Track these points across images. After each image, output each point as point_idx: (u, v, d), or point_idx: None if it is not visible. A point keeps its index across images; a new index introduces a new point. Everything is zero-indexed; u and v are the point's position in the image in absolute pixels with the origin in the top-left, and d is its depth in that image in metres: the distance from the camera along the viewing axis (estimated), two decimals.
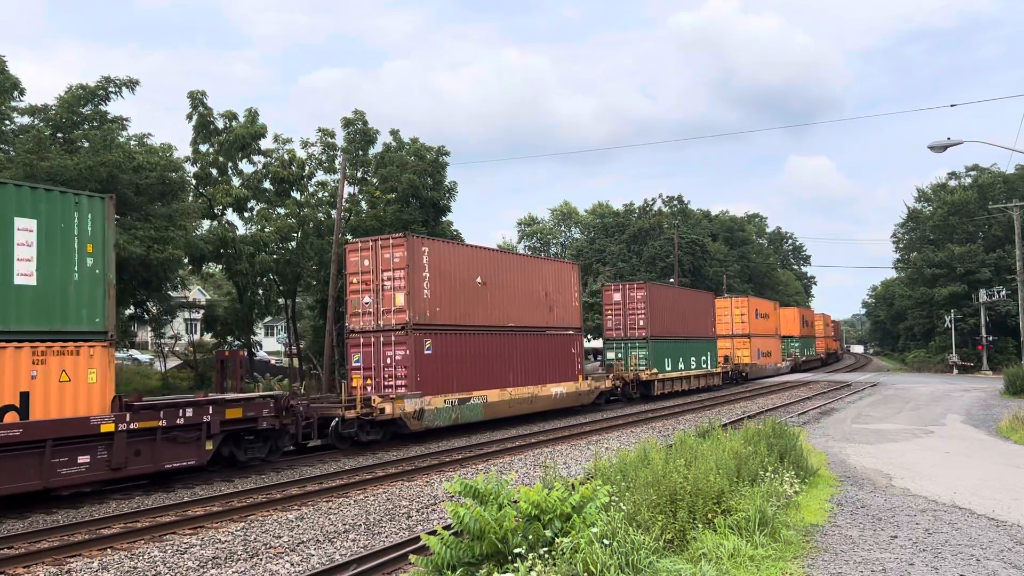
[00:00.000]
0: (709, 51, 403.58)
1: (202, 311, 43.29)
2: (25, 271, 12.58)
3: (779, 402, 31.95)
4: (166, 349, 46.84)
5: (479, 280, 23.43)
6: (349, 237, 37.76)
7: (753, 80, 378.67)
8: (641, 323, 35.27)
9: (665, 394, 35.64)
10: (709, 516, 8.98)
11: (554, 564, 6.44)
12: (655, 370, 34.84)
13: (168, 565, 9.49)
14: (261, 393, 16.66)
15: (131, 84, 28.50)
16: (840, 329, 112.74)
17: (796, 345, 63.30)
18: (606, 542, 6.84)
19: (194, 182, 34.65)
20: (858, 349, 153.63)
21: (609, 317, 36.31)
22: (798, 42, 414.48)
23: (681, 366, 37.93)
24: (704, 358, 41.15)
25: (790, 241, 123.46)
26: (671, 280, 62.62)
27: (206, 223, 35.24)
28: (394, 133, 40.70)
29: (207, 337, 44.12)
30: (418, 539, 9.70)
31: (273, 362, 55.35)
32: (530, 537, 6.90)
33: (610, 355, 35.56)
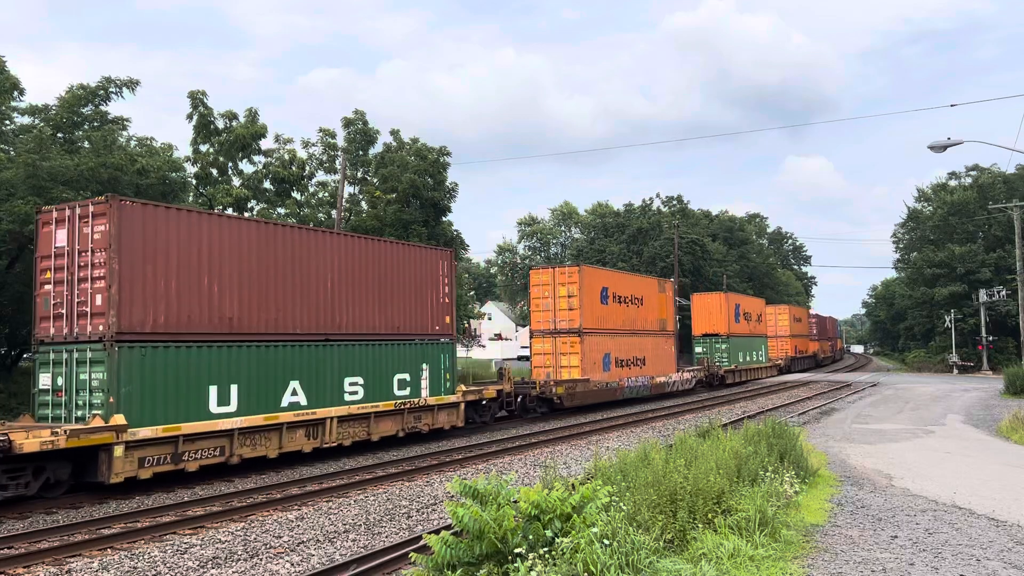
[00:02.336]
0: (705, 51, 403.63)
1: None
2: None
3: (779, 402, 31.94)
4: None
5: None
6: None
7: (750, 80, 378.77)
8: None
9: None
10: (709, 516, 8.98)
11: (554, 564, 6.44)
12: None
13: (168, 565, 9.49)
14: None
15: (132, 84, 28.47)
16: (835, 325, 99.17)
17: (723, 347, 44.53)
18: (606, 542, 6.84)
19: (194, 182, 34.64)
20: (858, 349, 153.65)
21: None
22: (795, 42, 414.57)
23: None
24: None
25: (790, 241, 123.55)
26: (671, 280, 62.59)
27: None
28: (395, 133, 40.73)
29: None
30: (418, 539, 9.70)
31: None
32: (530, 537, 6.91)
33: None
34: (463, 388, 22.72)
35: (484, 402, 23.86)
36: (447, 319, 21.86)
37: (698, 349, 43.06)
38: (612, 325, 31.32)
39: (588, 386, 28.80)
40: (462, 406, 22.15)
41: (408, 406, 19.97)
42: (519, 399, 26.88)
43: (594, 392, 29.19)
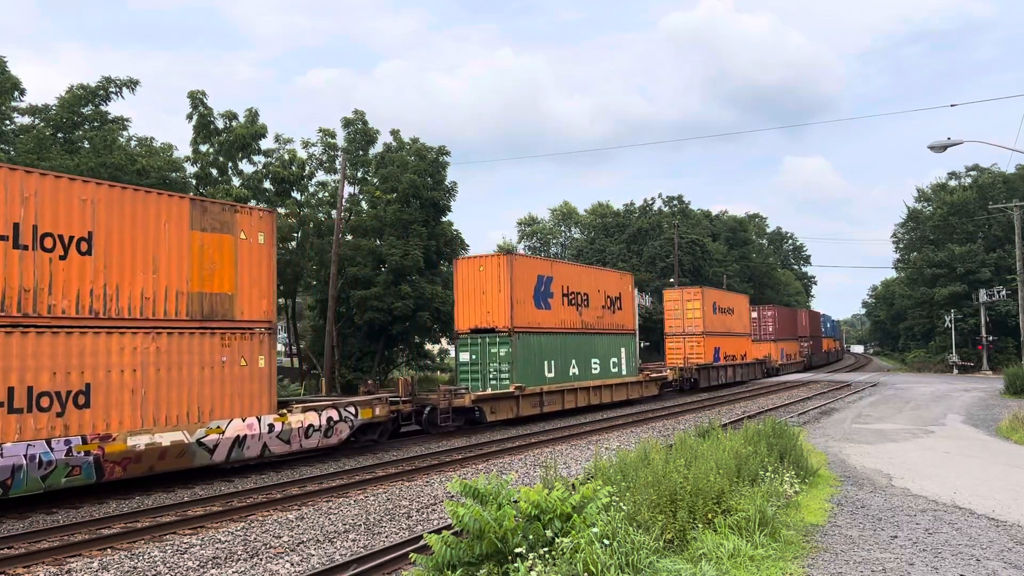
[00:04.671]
0: (704, 51, 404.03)
1: None
2: None
3: (779, 402, 31.94)
4: None
5: None
6: (349, 237, 37.85)
7: (748, 80, 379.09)
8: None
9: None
10: (709, 516, 8.99)
11: (554, 564, 6.44)
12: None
13: (168, 565, 9.49)
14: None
15: (131, 84, 28.52)
16: (819, 321, 79.37)
17: (502, 351, 25.80)
18: (606, 542, 6.84)
19: (194, 182, 34.65)
20: (858, 349, 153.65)
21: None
22: (794, 42, 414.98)
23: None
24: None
25: (790, 241, 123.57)
26: (671, 280, 62.59)
27: None
28: (395, 133, 40.74)
29: None
30: (418, 539, 9.70)
31: None
32: (530, 537, 6.91)
33: None
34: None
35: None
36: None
37: (464, 356, 25.54)
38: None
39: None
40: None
41: None
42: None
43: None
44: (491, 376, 24.61)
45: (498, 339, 24.61)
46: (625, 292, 32.65)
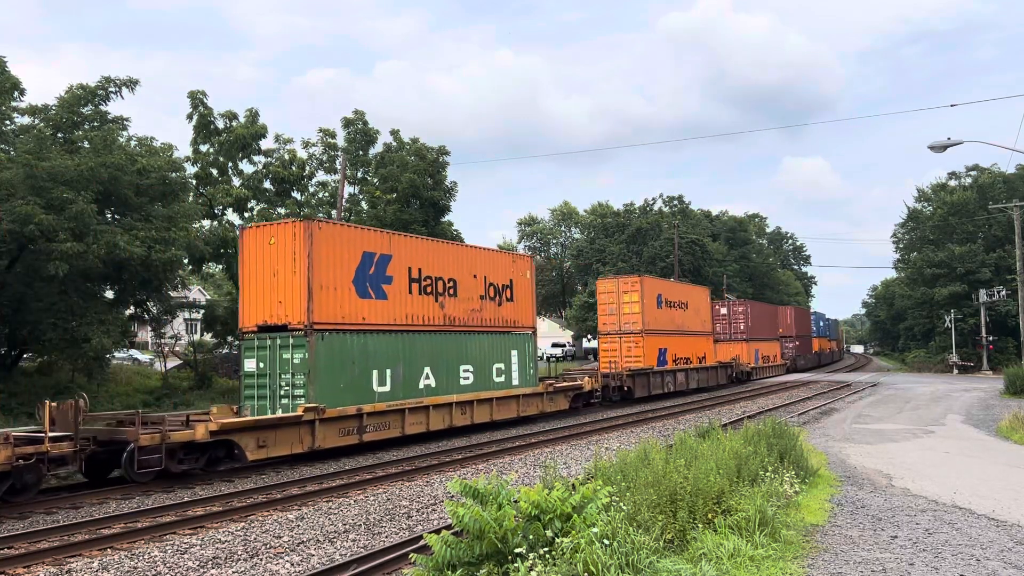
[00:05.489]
0: (703, 51, 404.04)
1: (202, 311, 43.29)
2: None
3: (779, 402, 31.94)
4: (166, 349, 46.84)
5: None
6: None
7: (747, 80, 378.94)
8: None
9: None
10: (709, 516, 8.99)
11: (554, 564, 6.44)
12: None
13: (168, 565, 9.49)
14: None
15: (131, 84, 28.50)
16: (807, 319, 71.48)
17: (297, 357, 17.92)
18: (606, 542, 6.84)
19: (194, 182, 34.65)
20: (858, 349, 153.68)
21: None
22: (792, 42, 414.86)
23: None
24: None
25: (790, 241, 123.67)
26: (671, 280, 62.50)
27: (206, 223, 35.25)
28: (394, 133, 40.76)
29: (207, 337, 44.13)
30: (418, 539, 9.69)
31: None
32: (530, 537, 6.91)
33: None
34: None
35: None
36: None
37: (249, 364, 18.52)
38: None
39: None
40: None
41: None
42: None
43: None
44: (282, 393, 17.79)
45: (291, 340, 17.71)
46: (520, 280, 25.43)
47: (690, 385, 37.87)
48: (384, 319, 19.69)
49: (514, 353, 24.82)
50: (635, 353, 33.50)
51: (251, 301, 18.61)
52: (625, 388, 31.85)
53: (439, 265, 21.87)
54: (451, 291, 22.21)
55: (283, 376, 17.86)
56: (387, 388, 19.53)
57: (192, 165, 35.04)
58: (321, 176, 39.77)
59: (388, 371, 19.61)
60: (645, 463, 10.46)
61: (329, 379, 17.84)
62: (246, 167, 36.75)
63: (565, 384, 27.86)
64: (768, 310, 56.54)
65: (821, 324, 79.55)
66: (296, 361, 17.68)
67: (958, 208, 60.46)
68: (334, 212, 35.43)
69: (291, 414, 17.08)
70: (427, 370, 20.96)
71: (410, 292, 20.64)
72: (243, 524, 11.56)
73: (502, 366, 24.18)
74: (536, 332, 26.67)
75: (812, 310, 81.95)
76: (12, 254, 23.75)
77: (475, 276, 23.34)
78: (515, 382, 24.70)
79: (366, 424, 18.64)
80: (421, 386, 20.65)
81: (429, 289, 21.32)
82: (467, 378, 22.45)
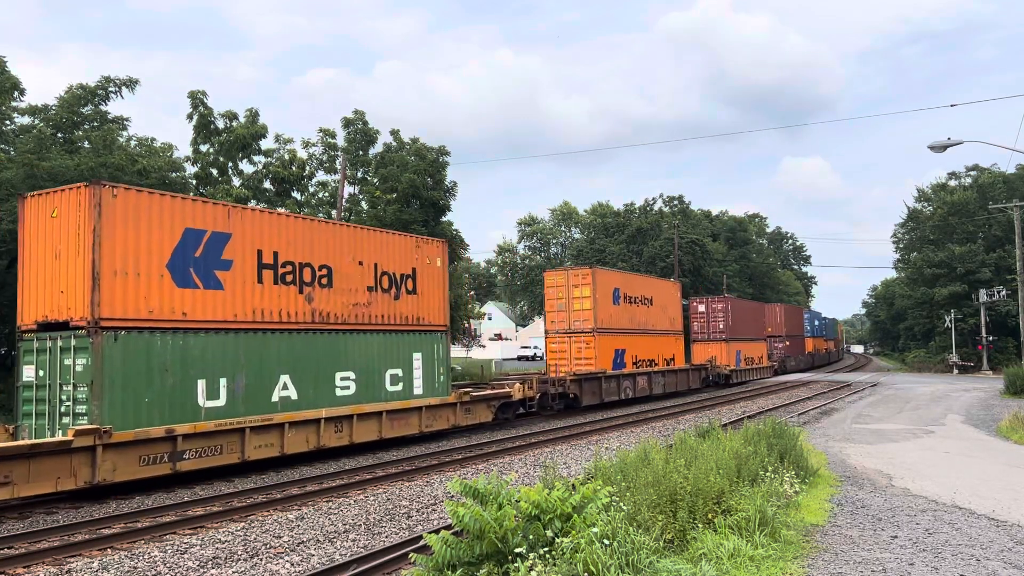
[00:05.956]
0: (702, 51, 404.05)
1: None
2: None
3: (779, 402, 31.95)
4: None
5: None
6: None
7: (747, 80, 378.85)
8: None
9: None
10: (709, 516, 8.99)
11: (554, 564, 6.44)
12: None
13: (168, 565, 9.49)
14: None
15: (131, 84, 28.54)
16: (800, 318, 67.54)
17: (80, 363, 13.67)
18: (606, 542, 6.84)
19: (194, 182, 34.67)
20: (858, 349, 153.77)
21: None
22: (792, 42, 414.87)
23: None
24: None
25: (790, 241, 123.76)
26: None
27: None
28: (394, 133, 40.78)
29: None
30: (418, 539, 9.70)
31: None
32: (530, 537, 6.91)
33: None
34: None
35: None
36: None
37: (27, 372, 14.53)
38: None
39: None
40: None
41: None
42: None
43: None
44: (63, 410, 13.88)
45: (73, 341, 13.80)
46: (426, 269, 21.23)
47: (654, 390, 33.80)
48: (217, 315, 15.53)
49: (417, 357, 20.51)
50: (586, 355, 29.68)
51: (31, 291, 14.67)
52: (571, 395, 27.68)
53: (306, 248, 17.67)
54: (324, 281, 18.04)
55: (64, 388, 13.85)
56: (220, 403, 15.38)
57: (192, 165, 35.06)
58: (321, 176, 39.84)
59: (223, 381, 15.45)
60: (645, 463, 10.46)
61: (126, 392, 13.79)
62: (246, 167, 36.78)
63: (488, 392, 23.67)
64: (753, 307, 52.01)
65: (816, 323, 76.40)
66: (79, 369, 13.66)
67: (958, 208, 60.49)
68: (334, 212, 35.44)
69: (53, 439, 12.98)
70: (285, 379, 16.85)
71: (259, 281, 16.47)
72: (243, 524, 11.56)
73: (399, 372, 19.86)
74: (450, 331, 22.42)
75: (806, 308, 79.67)
76: (12, 254, 23.77)
77: (361, 263, 19.11)
78: (417, 391, 20.35)
79: (183, 449, 14.46)
80: (275, 399, 16.57)
81: (290, 278, 17.22)
82: (346, 388, 18.36)
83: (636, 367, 32.56)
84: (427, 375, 20.79)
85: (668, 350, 36.26)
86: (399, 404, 19.58)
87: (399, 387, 19.85)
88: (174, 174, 28.98)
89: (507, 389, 24.40)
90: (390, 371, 19.65)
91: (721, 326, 45.18)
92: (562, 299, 30.55)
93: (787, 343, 60.05)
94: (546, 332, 31.31)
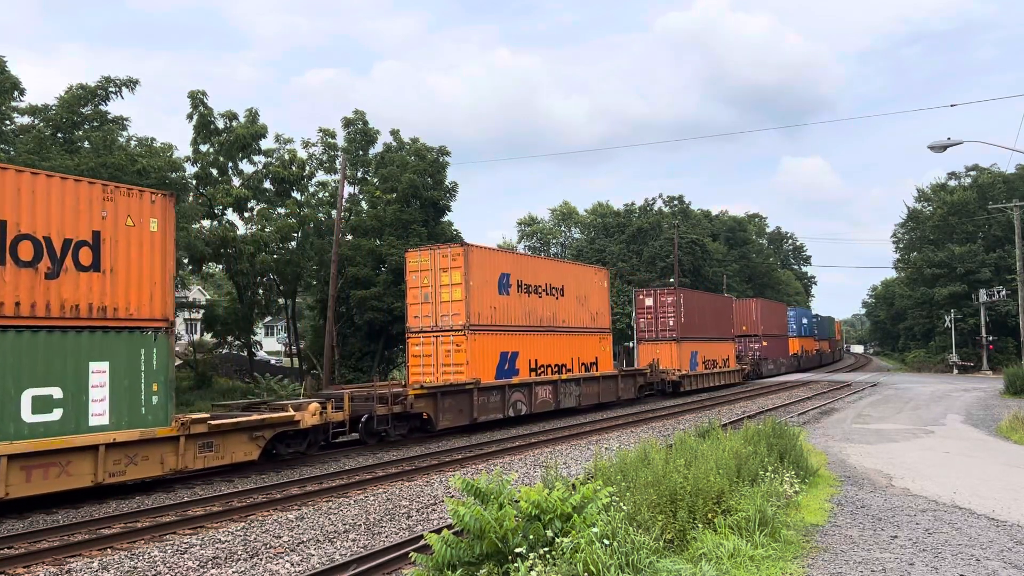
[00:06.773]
0: (701, 51, 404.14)
1: (202, 311, 43.35)
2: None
3: (779, 402, 31.94)
4: None
5: None
6: (349, 237, 37.89)
7: (746, 80, 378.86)
8: None
9: None
10: (709, 516, 8.99)
11: (554, 564, 6.45)
12: None
13: (168, 565, 9.49)
14: None
15: (131, 84, 28.54)
16: (783, 316, 59.94)
17: None
18: (606, 542, 6.85)
19: (194, 182, 34.68)
20: (858, 349, 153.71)
21: None
22: (792, 42, 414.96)
23: None
24: None
25: (790, 241, 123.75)
26: (671, 280, 62.52)
27: (206, 223, 35.28)
28: (395, 133, 40.83)
29: (207, 337, 44.19)
30: (418, 539, 9.70)
31: (273, 362, 55.42)
32: (530, 537, 6.91)
33: None
34: None
35: None
36: None
37: None
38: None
39: None
40: None
41: None
42: None
43: None
44: None
45: None
46: (127, 232, 13.96)
47: (564, 403, 26.70)
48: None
49: (100, 368, 13.30)
50: (456, 360, 22.57)
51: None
52: (424, 416, 20.62)
53: None
54: None
55: None
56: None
57: (192, 165, 35.09)
58: (321, 176, 39.88)
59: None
60: (645, 463, 10.46)
61: None
62: (246, 167, 36.82)
63: (253, 418, 15.80)
64: (715, 302, 43.98)
65: (804, 321, 68.23)
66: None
67: (958, 208, 60.48)
68: (334, 212, 35.45)
69: None
70: None
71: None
72: (243, 524, 11.56)
73: (56, 394, 12.65)
74: (173, 328, 14.68)
75: (793, 305, 73.40)
76: None
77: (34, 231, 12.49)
78: (98, 421, 13.13)
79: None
80: None
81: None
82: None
83: (536, 374, 25.39)
84: (121, 396, 13.50)
85: (588, 353, 28.95)
86: (46, 444, 12.34)
87: (54, 417, 12.60)
88: (174, 174, 28.97)
89: (290, 412, 16.72)
90: (33, 391, 12.39)
91: (671, 323, 37.36)
92: (427, 287, 23.15)
93: (764, 343, 52.57)
94: (407, 331, 23.82)
